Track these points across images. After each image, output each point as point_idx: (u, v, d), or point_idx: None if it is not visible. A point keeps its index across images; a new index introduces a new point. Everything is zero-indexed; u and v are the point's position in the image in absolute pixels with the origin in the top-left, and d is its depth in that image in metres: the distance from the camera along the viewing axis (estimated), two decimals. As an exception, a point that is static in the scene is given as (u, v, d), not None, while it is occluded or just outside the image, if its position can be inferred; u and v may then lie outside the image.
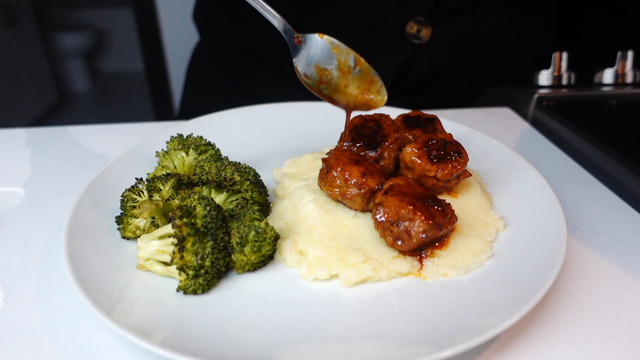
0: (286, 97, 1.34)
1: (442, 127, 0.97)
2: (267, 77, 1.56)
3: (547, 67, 1.47)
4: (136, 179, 0.84)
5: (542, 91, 1.42)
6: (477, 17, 1.42)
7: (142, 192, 0.82)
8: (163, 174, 0.83)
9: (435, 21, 1.36)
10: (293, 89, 1.52)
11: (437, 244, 0.77)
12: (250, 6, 0.87)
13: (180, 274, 0.69)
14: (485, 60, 1.54)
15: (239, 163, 0.87)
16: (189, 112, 1.65)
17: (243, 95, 1.58)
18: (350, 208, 0.83)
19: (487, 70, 1.57)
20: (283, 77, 1.52)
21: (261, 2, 0.88)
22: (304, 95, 1.31)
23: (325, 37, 0.84)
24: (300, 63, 0.88)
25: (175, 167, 0.94)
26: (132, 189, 0.82)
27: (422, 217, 0.73)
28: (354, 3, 1.35)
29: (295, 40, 0.87)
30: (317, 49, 0.86)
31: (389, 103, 0.83)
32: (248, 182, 0.82)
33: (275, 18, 0.89)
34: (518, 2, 1.47)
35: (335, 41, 0.84)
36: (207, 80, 1.71)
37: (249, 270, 0.74)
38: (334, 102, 0.88)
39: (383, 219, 0.74)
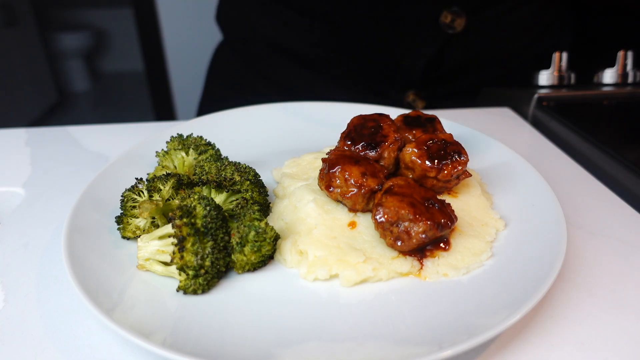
0: (315, 90, 1.32)
1: (442, 127, 0.97)
2: (295, 70, 1.55)
3: (547, 67, 1.47)
4: (136, 179, 0.84)
5: (542, 91, 1.42)
6: (510, 7, 1.42)
7: (142, 192, 0.82)
8: (163, 174, 0.83)
9: (470, 11, 1.36)
10: (321, 80, 1.51)
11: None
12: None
13: (180, 274, 0.69)
14: (514, 52, 1.54)
15: (239, 163, 0.87)
16: (210, 111, 1.66)
17: (269, 91, 1.57)
18: (351, 208, 0.83)
19: (514, 62, 1.57)
20: (312, 69, 1.52)
21: None
22: (331, 86, 1.29)
23: None
24: None
25: (175, 167, 0.94)
26: (132, 189, 0.82)
27: (422, 218, 0.73)
28: None
29: None
30: None
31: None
32: (248, 182, 0.82)
33: None
34: None
35: None
36: (231, 80, 1.70)
37: (249, 270, 0.74)
38: None
39: (383, 219, 0.74)
